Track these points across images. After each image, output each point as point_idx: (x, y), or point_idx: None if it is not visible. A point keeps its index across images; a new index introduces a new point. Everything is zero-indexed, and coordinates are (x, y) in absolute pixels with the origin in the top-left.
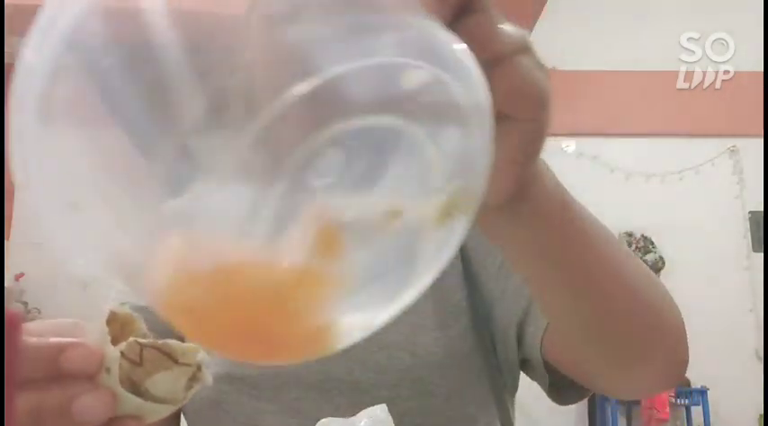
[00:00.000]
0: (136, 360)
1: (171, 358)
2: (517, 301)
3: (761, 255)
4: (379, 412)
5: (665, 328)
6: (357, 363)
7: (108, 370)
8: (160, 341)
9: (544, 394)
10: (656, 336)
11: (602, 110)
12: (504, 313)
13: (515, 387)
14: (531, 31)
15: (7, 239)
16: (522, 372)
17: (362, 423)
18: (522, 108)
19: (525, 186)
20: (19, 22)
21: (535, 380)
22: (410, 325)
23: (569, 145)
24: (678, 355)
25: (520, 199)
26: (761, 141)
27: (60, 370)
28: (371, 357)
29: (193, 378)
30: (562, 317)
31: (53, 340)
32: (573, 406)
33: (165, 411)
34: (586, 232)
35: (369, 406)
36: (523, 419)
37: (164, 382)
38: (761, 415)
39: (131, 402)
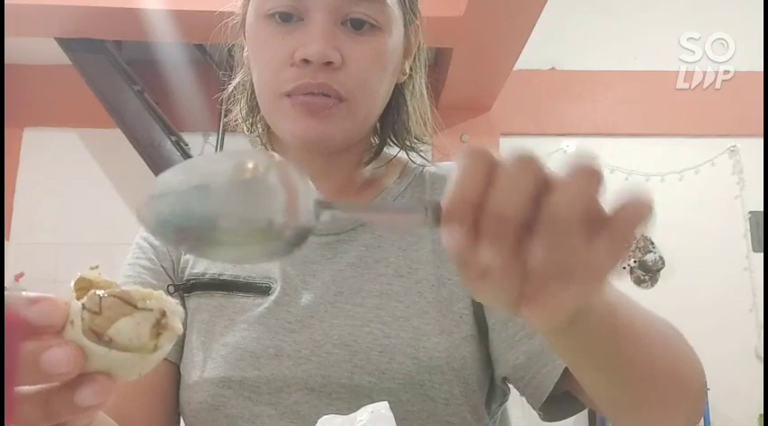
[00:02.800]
0: (95, 310)
1: (129, 303)
2: (529, 334)
3: (761, 255)
4: (381, 408)
5: (689, 392)
6: (358, 367)
7: (72, 323)
8: (118, 290)
9: None
10: (680, 400)
11: (602, 110)
12: (507, 341)
13: (504, 399)
14: (531, 30)
15: (7, 239)
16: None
17: (363, 419)
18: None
19: (575, 317)
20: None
21: (524, 396)
22: (413, 330)
23: (569, 145)
24: (696, 413)
25: (567, 328)
26: (761, 141)
27: (28, 321)
28: (373, 361)
29: (159, 325)
30: (591, 387)
31: (23, 293)
32: None
33: (134, 363)
34: (628, 332)
35: None
36: (523, 419)
37: (126, 328)
38: (761, 415)
39: (98, 353)
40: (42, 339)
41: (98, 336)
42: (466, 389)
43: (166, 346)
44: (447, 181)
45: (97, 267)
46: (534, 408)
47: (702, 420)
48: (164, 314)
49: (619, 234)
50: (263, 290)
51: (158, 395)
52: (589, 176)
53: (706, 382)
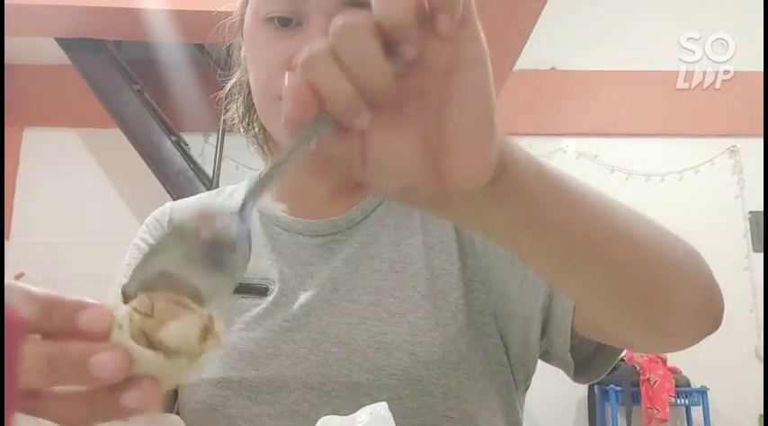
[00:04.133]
0: (147, 312)
1: (180, 305)
2: (538, 288)
3: (761, 255)
4: (380, 408)
5: (692, 278)
6: (356, 364)
7: (120, 327)
8: (169, 293)
9: (544, 395)
10: (683, 287)
11: (602, 110)
12: (525, 303)
13: (527, 384)
14: (531, 30)
15: (7, 239)
16: (540, 363)
17: (363, 420)
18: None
19: (496, 166)
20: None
21: (558, 367)
22: (408, 325)
23: (569, 145)
24: (714, 302)
25: (492, 183)
26: (761, 141)
27: (76, 327)
28: (370, 358)
29: (206, 330)
30: (580, 291)
31: (73, 297)
32: (573, 406)
33: (179, 368)
34: (571, 192)
35: None
36: (523, 418)
37: (176, 331)
38: (761, 415)
39: (145, 357)
40: (92, 341)
41: (147, 339)
42: (465, 382)
43: (211, 352)
44: None
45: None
46: (566, 364)
47: (702, 420)
48: (212, 319)
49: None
50: (261, 292)
51: None
52: None
53: (711, 272)
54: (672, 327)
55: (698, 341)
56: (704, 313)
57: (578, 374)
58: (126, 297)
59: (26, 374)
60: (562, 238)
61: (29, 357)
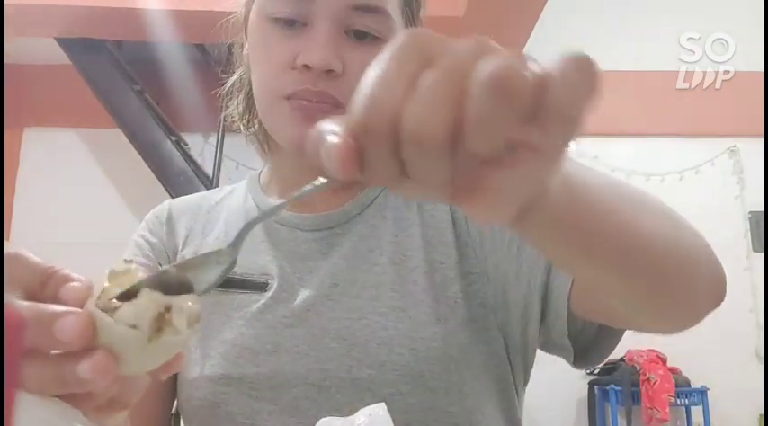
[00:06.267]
0: (119, 289)
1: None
2: (536, 267)
3: (761, 255)
4: (379, 410)
5: (697, 258)
6: (356, 360)
7: (96, 298)
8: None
9: (543, 393)
10: (690, 268)
11: (602, 110)
12: (523, 288)
13: (526, 379)
14: (531, 30)
15: (7, 239)
16: (538, 353)
17: (361, 421)
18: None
19: (527, 204)
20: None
21: (558, 355)
22: (409, 321)
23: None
24: (716, 276)
25: (524, 218)
26: (761, 141)
27: (59, 298)
28: (371, 353)
29: (161, 319)
30: (598, 283)
31: (65, 271)
32: (573, 406)
33: (141, 345)
34: (594, 206)
35: (369, 404)
36: (523, 418)
37: (130, 308)
38: (761, 415)
39: (107, 325)
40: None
41: (108, 309)
42: (466, 377)
43: (171, 340)
44: None
45: (132, 261)
46: (564, 350)
47: (702, 420)
48: (168, 309)
49: (560, 116)
50: (260, 287)
51: (154, 392)
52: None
53: (716, 257)
54: (686, 311)
55: (707, 313)
56: (715, 292)
57: (578, 360)
58: (110, 275)
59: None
60: (591, 246)
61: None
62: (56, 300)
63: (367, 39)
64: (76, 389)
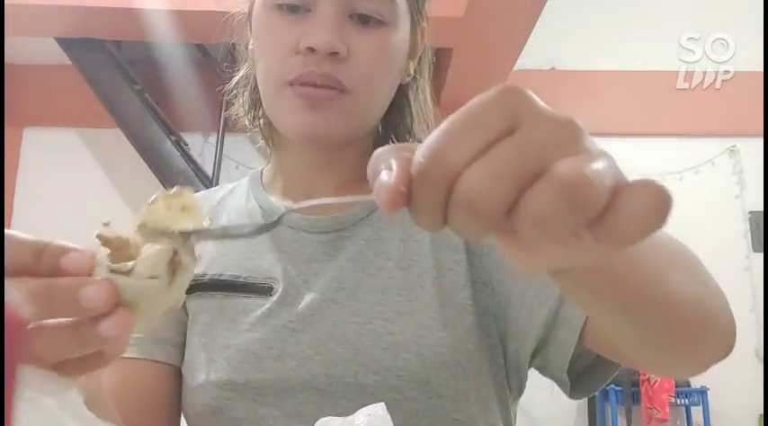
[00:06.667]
0: (122, 247)
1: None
2: (543, 301)
3: (761, 255)
4: (378, 410)
5: (717, 314)
6: (362, 365)
7: (100, 265)
8: (136, 236)
9: (544, 395)
10: (708, 324)
11: (602, 110)
12: (525, 314)
13: (520, 391)
14: (531, 30)
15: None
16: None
17: (361, 421)
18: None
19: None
20: (19, 21)
21: (553, 381)
22: (416, 325)
23: None
24: (728, 330)
25: (557, 272)
26: (761, 141)
27: (60, 269)
28: (377, 358)
29: (174, 263)
30: (605, 325)
31: (58, 242)
32: (573, 406)
33: (160, 292)
34: (637, 261)
35: None
36: (523, 418)
37: (146, 261)
38: (761, 415)
39: (126, 284)
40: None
41: (124, 273)
42: (472, 384)
43: (183, 280)
44: None
45: (109, 223)
46: (561, 382)
47: (702, 420)
48: (176, 252)
49: (615, 236)
50: (265, 291)
51: (159, 397)
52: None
53: (731, 312)
54: (695, 362)
55: (712, 366)
56: (725, 346)
57: (574, 389)
58: (103, 240)
59: (20, 307)
60: (620, 299)
61: (22, 291)
62: (55, 272)
63: (371, 23)
64: (97, 348)
